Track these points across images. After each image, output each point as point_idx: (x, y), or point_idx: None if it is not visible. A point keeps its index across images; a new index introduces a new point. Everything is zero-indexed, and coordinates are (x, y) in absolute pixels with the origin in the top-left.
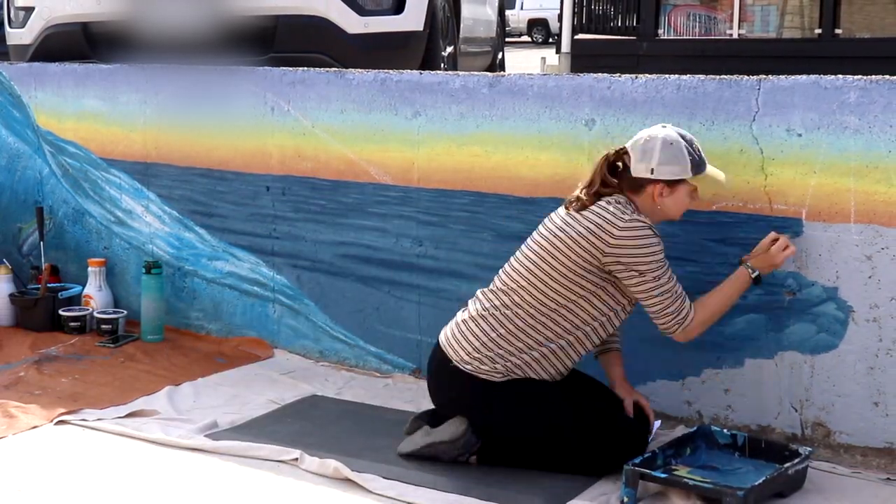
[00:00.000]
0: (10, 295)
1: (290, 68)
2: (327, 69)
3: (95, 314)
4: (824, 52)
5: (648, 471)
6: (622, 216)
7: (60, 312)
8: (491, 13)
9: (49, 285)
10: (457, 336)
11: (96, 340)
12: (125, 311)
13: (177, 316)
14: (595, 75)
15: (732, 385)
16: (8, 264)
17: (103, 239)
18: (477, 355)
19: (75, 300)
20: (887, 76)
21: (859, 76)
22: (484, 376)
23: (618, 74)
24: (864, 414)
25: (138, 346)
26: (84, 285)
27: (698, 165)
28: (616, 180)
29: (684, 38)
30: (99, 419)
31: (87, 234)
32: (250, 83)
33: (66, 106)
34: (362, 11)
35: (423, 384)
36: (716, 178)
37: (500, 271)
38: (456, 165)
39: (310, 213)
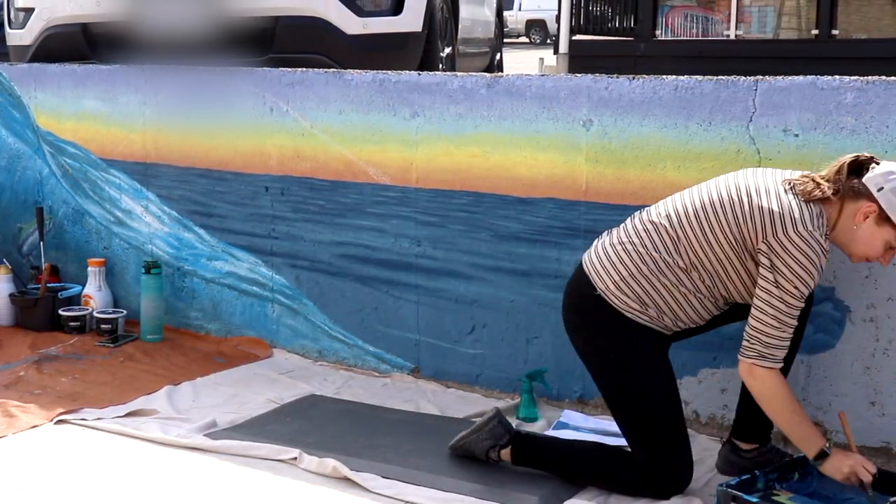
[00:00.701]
0: (10, 295)
1: (289, 69)
2: (326, 70)
3: (95, 314)
4: (821, 53)
5: (741, 493)
6: (807, 225)
7: (60, 312)
8: (489, 14)
9: (49, 285)
10: (604, 262)
11: (96, 340)
12: (125, 311)
13: (176, 316)
14: (593, 76)
15: (729, 385)
16: (8, 264)
17: (103, 239)
18: (624, 287)
19: (75, 300)
20: (883, 77)
21: (856, 77)
22: (629, 314)
23: (615, 75)
24: (861, 413)
25: (138, 345)
26: (84, 285)
27: None
28: (845, 180)
29: (682, 38)
30: (98, 418)
31: (86, 235)
32: (249, 84)
33: (66, 106)
34: (361, 12)
35: (422, 383)
36: None
37: (664, 204)
38: (454, 166)
39: (308, 214)
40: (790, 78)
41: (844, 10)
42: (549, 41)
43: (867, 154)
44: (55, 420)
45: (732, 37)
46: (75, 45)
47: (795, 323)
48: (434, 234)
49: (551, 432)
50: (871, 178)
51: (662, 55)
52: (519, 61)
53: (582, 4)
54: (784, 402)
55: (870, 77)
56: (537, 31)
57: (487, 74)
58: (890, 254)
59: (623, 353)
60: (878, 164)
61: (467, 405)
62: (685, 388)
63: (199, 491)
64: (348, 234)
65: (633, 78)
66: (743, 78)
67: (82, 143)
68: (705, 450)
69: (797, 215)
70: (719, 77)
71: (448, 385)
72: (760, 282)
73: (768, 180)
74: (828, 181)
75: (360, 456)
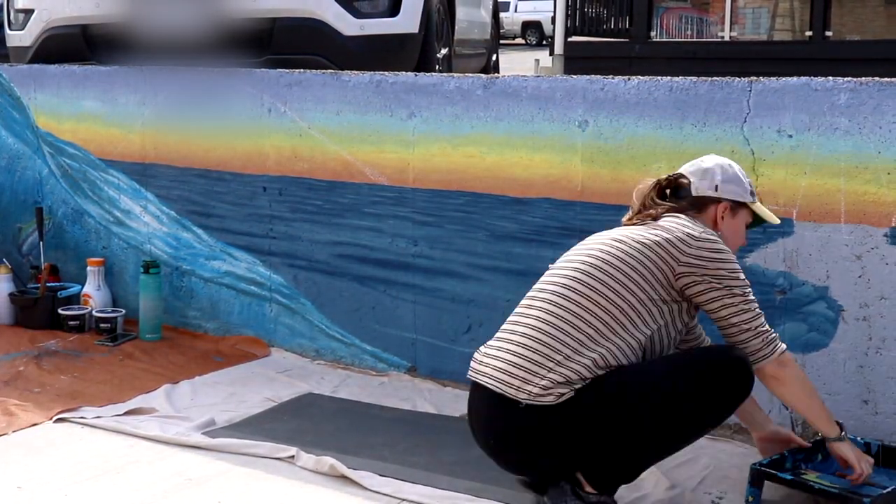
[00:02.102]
0: (10, 294)
1: (287, 70)
2: (323, 71)
3: (94, 313)
4: (815, 55)
5: (775, 471)
6: (695, 227)
7: (60, 311)
8: (485, 15)
9: (48, 284)
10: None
11: (95, 339)
12: (124, 310)
13: (175, 315)
14: (588, 77)
15: None
16: (8, 264)
17: (102, 239)
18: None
19: (74, 299)
20: (877, 78)
21: (849, 78)
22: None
23: (611, 76)
24: (854, 412)
25: (136, 344)
26: (83, 285)
27: (752, 193)
28: (667, 203)
29: (676, 40)
30: (97, 416)
31: (86, 234)
32: (247, 85)
33: (66, 107)
34: (358, 14)
35: (418, 382)
36: (766, 214)
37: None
38: (451, 166)
39: (306, 214)
40: (784, 79)
41: (838, 12)
42: (544, 43)
43: (664, 178)
44: (54, 418)
45: (727, 38)
46: (75, 46)
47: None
48: (431, 234)
49: None
50: (700, 187)
51: (657, 56)
52: (515, 63)
53: (577, 6)
54: (810, 383)
55: (863, 78)
56: (533, 33)
57: (484, 76)
58: (745, 233)
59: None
60: (677, 180)
61: (463, 404)
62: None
63: (197, 489)
64: (346, 234)
65: (629, 79)
66: (737, 79)
67: (81, 143)
68: (699, 448)
69: (681, 226)
70: (714, 78)
71: (444, 384)
72: (706, 303)
73: (609, 232)
74: (640, 214)
75: (357, 454)
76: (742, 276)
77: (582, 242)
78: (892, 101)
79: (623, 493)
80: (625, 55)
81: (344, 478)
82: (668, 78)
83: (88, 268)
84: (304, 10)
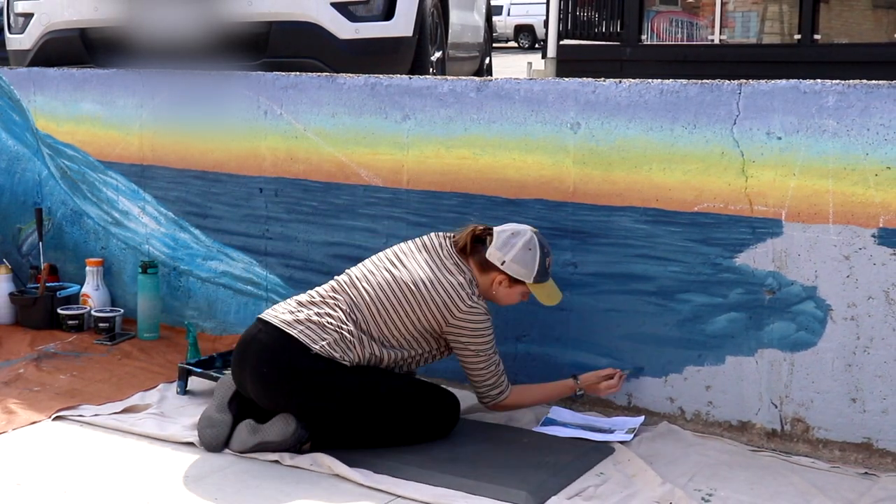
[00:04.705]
0: (10, 294)
1: (283, 73)
2: (319, 74)
3: (93, 313)
4: (803, 58)
5: (196, 368)
6: (469, 297)
7: (59, 311)
8: (478, 19)
9: (48, 284)
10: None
11: (94, 338)
12: (122, 310)
13: (172, 314)
14: (580, 80)
15: (714, 382)
16: (8, 264)
17: (101, 239)
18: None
19: (73, 299)
20: (864, 80)
21: (837, 81)
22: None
23: (602, 79)
24: (842, 410)
25: (134, 343)
26: (82, 285)
27: (542, 276)
28: (475, 248)
29: (667, 43)
30: (96, 414)
31: (84, 235)
32: (244, 87)
33: (65, 110)
34: (353, 18)
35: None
36: (550, 295)
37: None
38: (444, 168)
39: (302, 215)
40: (773, 82)
41: (826, 16)
42: (537, 46)
43: (482, 226)
44: (53, 416)
45: (717, 41)
46: (74, 49)
47: (498, 358)
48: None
49: (539, 428)
50: (493, 255)
51: (648, 59)
52: (508, 65)
53: (569, 10)
54: (532, 399)
55: (851, 81)
56: (526, 36)
57: (477, 78)
58: (525, 298)
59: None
60: (491, 234)
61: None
62: (671, 384)
63: (194, 485)
64: (341, 235)
65: (620, 82)
66: (727, 82)
67: (80, 145)
68: (690, 446)
69: (459, 292)
70: (704, 81)
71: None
72: (461, 356)
73: (422, 261)
74: (462, 253)
75: (352, 451)
76: (491, 338)
77: (390, 253)
78: (880, 104)
79: (614, 489)
80: (616, 58)
81: (338, 475)
82: (659, 81)
83: (87, 268)
84: (299, 14)
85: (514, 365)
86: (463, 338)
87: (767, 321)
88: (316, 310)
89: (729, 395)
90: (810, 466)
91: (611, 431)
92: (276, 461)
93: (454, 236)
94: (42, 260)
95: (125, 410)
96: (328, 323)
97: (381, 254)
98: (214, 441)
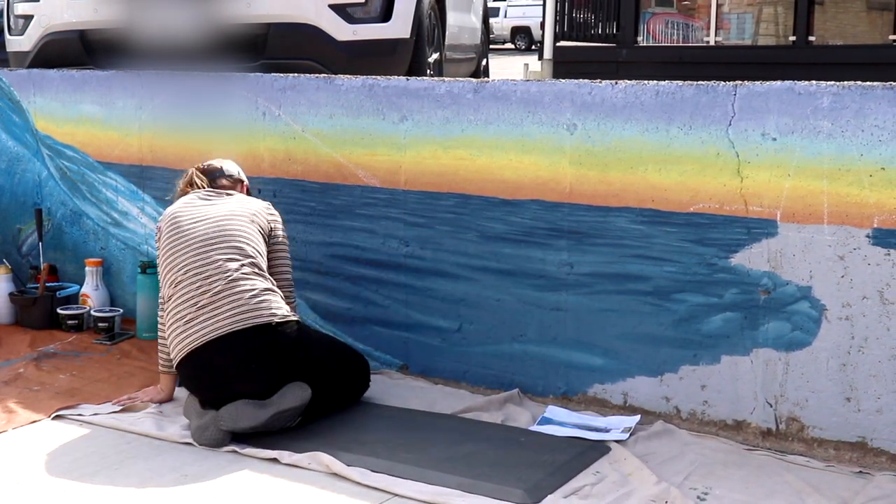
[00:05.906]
0: (10, 294)
1: (281, 74)
2: (317, 75)
3: (92, 312)
4: (798, 59)
5: None
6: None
7: (58, 311)
8: (475, 21)
9: (47, 284)
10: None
11: (93, 338)
12: (121, 310)
13: None
14: (576, 81)
15: (709, 381)
16: (7, 264)
17: (100, 240)
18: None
19: (73, 299)
20: (859, 82)
21: (832, 82)
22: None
23: (598, 80)
24: (837, 409)
25: (134, 343)
26: (81, 285)
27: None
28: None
29: (663, 45)
30: (95, 414)
31: (84, 235)
32: (242, 89)
33: (64, 111)
34: (351, 19)
35: (410, 380)
36: None
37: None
38: (441, 168)
39: (300, 215)
40: (768, 83)
41: (821, 17)
42: (533, 47)
43: (199, 167)
44: (53, 415)
45: (712, 43)
46: (73, 51)
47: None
48: (422, 235)
49: (535, 428)
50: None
51: (644, 61)
52: (504, 67)
53: (566, 12)
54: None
55: (846, 82)
56: (522, 38)
57: (474, 80)
58: None
59: None
60: (209, 171)
61: (455, 401)
62: (666, 384)
63: (192, 484)
64: (338, 235)
65: (616, 83)
66: (722, 83)
67: (80, 146)
68: (685, 445)
69: (256, 199)
70: (699, 82)
71: (436, 381)
72: (283, 254)
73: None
74: (223, 188)
75: (350, 451)
76: None
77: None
78: (874, 105)
79: (610, 488)
80: (612, 60)
81: (336, 474)
82: (655, 82)
83: (87, 268)
84: (298, 16)
85: (510, 365)
86: (280, 231)
87: (762, 321)
88: (230, 297)
89: (724, 394)
90: (805, 465)
91: (607, 430)
92: (275, 459)
93: (204, 186)
94: (42, 260)
95: (124, 410)
96: (251, 294)
97: (180, 243)
98: (215, 440)
